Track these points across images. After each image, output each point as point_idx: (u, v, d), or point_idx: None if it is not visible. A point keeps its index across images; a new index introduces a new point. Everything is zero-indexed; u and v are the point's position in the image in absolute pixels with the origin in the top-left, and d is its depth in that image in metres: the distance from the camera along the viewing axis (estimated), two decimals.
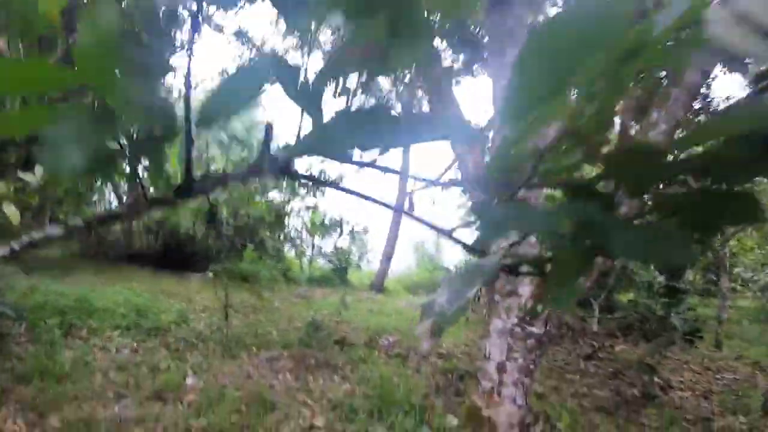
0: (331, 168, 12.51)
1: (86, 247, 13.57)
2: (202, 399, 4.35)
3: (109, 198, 16.39)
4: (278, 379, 5.17)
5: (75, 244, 13.83)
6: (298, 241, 13.86)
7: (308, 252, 14.64)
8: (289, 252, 15.57)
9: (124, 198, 13.92)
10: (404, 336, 8.24)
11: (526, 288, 4.01)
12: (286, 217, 13.56)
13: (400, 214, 17.02)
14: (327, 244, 15.62)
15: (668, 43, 0.62)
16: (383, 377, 5.37)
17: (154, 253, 13.74)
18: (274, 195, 14.27)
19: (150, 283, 10.17)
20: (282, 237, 13.60)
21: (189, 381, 4.82)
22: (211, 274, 5.83)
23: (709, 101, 7.35)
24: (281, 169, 0.91)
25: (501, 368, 4.01)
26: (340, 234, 14.39)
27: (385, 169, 0.97)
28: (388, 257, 16.77)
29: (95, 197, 14.64)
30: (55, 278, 8.59)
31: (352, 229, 13.91)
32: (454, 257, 24.33)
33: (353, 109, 0.80)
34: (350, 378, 5.47)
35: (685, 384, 6.98)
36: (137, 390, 4.52)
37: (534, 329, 3.99)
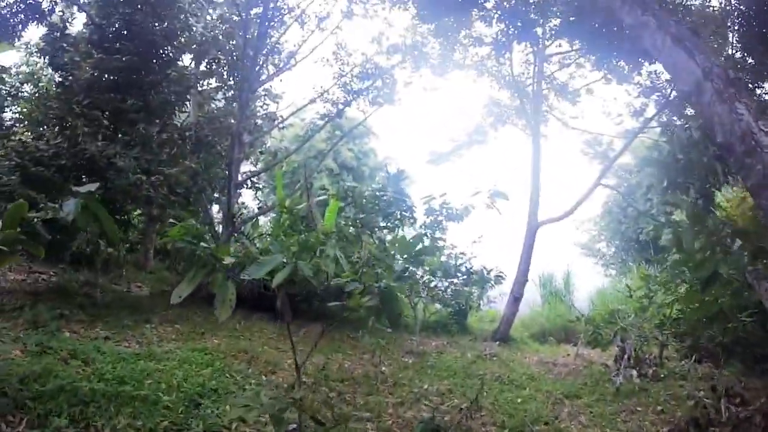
0: (456, 200, 10.43)
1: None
2: None
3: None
4: None
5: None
6: (413, 283, 11.70)
7: (423, 294, 12.42)
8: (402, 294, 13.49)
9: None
10: None
11: None
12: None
13: (530, 248, 14.53)
14: (444, 283, 13.39)
15: None
16: None
17: (250, 295, 12.11)
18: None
19: (236, 337, 8.48)
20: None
21: None
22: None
23: None
24: None
25: None
26: (469, 279, 12.18)
27: None
28: (516, 299, 14.21)
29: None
30: (117, 334, 7.12)
31: (483, 271, 11.63)
32: (584, 295, 21.00)
33: None
34: None
35: None
36: None
37: None
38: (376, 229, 10.89)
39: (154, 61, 9.16)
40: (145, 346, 6.82)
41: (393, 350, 9.92)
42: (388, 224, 10.35)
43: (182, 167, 8.78)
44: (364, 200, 10.22)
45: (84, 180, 8.41)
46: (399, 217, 10.09)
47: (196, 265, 3.33)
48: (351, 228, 11.28)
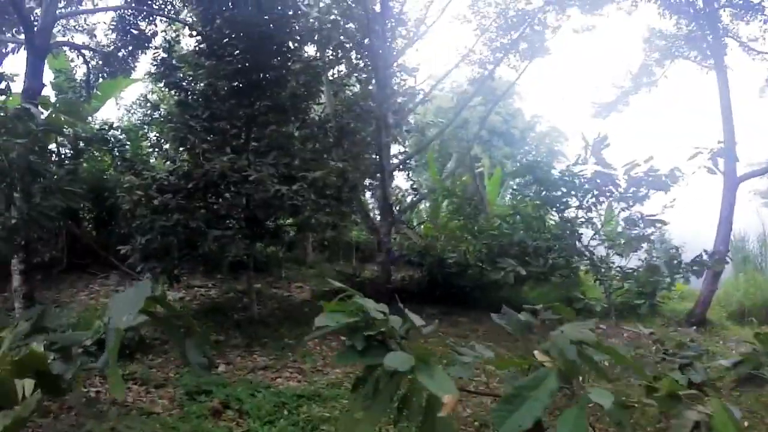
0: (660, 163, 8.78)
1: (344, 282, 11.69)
2: None
3: None
4: None
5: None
6: (593, 258, 10.21)
7: (605, 271, 10.70)
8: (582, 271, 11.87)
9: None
10: None
11: None
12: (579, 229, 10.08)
13: (731, 210, 12.18)
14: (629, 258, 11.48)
15: None
16: None
17: (417, 289, 11.41)
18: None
19: None
20: (573, 254, 10.18)
21: None
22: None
23: None
24: None
25: None
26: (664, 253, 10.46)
27: None
28: (715, 274, 11.94)
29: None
30: (277, 360, 6.53)
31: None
32: None
33: None
34: None
35: None
36: None
37: None
38: (561, 207, 9.73)
39: (272, 56, 8.46)
40: (307, 377, 6.17)
41: None
42: (583, 203, 9.09)
43: (328, 169, 8.01)
44: (550, 176, 9.34)
45: (211, 200, 8.05)
46: (595, 194, 8.82)
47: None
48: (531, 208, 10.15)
